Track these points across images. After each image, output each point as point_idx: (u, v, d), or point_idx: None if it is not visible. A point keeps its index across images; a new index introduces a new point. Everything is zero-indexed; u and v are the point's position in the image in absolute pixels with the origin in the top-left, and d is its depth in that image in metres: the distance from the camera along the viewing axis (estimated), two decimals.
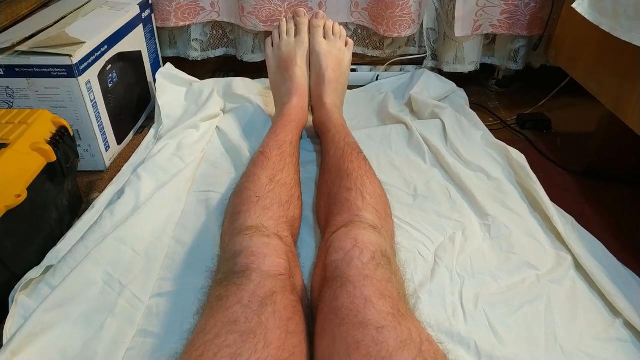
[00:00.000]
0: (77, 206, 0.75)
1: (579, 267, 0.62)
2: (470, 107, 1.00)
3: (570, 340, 0.53)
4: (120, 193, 0.72)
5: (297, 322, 0.44)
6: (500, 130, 0.99)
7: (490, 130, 0.92)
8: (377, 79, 1.12)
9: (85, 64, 0.75)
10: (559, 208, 0.72)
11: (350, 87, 1.02)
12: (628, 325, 0.55)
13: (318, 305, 0.47)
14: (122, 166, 0.83)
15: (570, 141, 0.95)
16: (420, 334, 0.39)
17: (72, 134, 0.70)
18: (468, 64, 1.09)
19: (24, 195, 0.57)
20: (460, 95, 1.04)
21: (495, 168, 0.80)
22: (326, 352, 0.40)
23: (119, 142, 0.89)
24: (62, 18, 0.84)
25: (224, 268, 0.51)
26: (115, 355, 0.51)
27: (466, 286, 0.59)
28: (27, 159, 0.60)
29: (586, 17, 0.74)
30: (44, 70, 0.73)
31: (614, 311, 0.56)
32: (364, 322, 0.39)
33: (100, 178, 0.82)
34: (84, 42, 0.75)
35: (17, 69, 0.73)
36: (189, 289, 0.58)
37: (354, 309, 0.41)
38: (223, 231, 0.61)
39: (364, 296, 0.42)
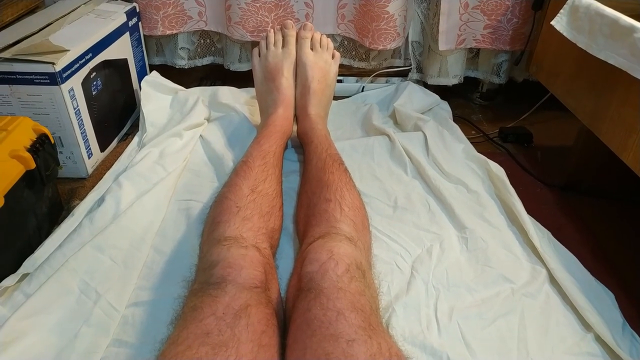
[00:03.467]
0: (57, 213, 0.74)
1: (553, 281, 0.63)
2: (454, 120, 1.01)
3: (542, 353, 0.54)
4: (101, 201, 0.71)
5: (270, 335, 0.44)
6: (483, 143, 1.00)
7: (472, 143, 0.93)
8: (362, 90, 1.13)
9: (69, 71, 0.75)
10: (536, 222, 0.73)
11: (336, 98, 1.03)
12: (599, 339, 0.56)
13: (291, 316, 0.47)
14: (105, 173, 0.83)
15: (551, 155, 0.97)
16: (389, 349, 0.40)
17: (53, 142, 0.69)
18: (452, 77, 1.11)
19: (1, 203, 0.57)
20: (444, 108, 1.05)
21: (475, 181, 0.81)
22: None
23: (102, 150, 0.89)
24: (47, 25, 0.84)
25: (201, 278, 0.51)
26: None
27: (441, 299, 0.59)
28: (6, 166, 0.60)
29: (564, 34, 0.75)
30: (26, 77, 0.73)
31: (586, 325, 0.57)
32: (335, 334, 0.40)
33: (81, 185, 0.82)
34: (67, 50, 0.75)
35: None
36: (165, 298, 0.58)
37: (325, 321, 0.41)
38: (202, 240, 0.62)
39: (337, 309, 0.42)
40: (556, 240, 0.70)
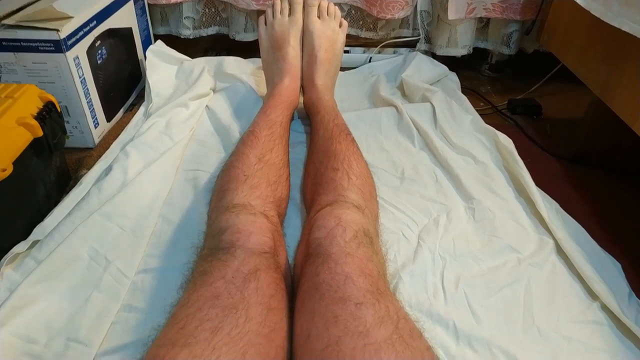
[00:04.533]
0: (65, 182, 0.75)
1: (560, 251, 0.63)
2: (462, 92, 1.00)
3: (547, 322, 0.54)
4: (108, 170, 0.72)
5: (279, 299, 0.45)
6: (491, 115, 0.99)
7: (480, 115, 0.92)
8: (370, 61, 1.12)
9: (74, 39, 0.74)
10: (544, 193, 0.72)
11: (342, 69, 1.02)
12: (605, 308, 0.56)
13: (299, 281, 0.47)
14: (111, 143, 0.82)
15: (560, 127, 0.96)
16: (397, 312, 0.40)
17: (59, 110, 0.69)
18: (461, 48, 1.09)
19: (10, 170, 0.57)
20: (452, 79, 1.04)
21: (483, 152, 0.80)
22: (305, 326, 0.41)
23: (109, 120, 0.89)
24: None
25: (210, 244, 0.51)
26: (99, 329, 0.51)
27: (448, 268, 0.60)
28: (13, 134, 0.60)
29: (577, 1, 0.74)
30: (31, 44, 0.72)
31: (592, 295, 0.57)
32: (343, 297, 0.40)
33: (89, 155, 0.82)
34: (72, 17, 0.74)
35: (3, 43, 0.72)
36: (174, 265, 0.59)
37: (334, 284, 0.42)
38: (210, 208, 0.62)
39: (345, 273, 0.42)
40: (564, 212, 0.70)
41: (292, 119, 0.86)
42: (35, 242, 0.60)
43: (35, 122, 0.62)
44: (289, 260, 0.56)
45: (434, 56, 1.10)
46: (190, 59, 1.04)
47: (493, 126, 0.86)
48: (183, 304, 0.41)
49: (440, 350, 0.50)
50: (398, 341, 0.36)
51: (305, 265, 0.47)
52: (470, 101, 0.95)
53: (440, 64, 1.05)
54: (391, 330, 0.37)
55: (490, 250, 0.63)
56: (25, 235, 0.61)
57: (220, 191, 0.59)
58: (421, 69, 1.02)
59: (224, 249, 0.47)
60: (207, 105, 0.91)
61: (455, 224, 0.66)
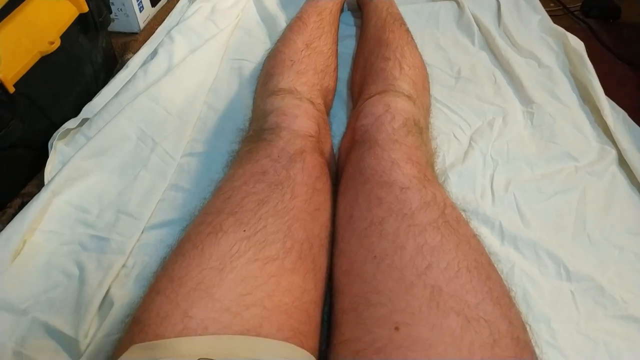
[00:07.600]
0: (112, 65, 0.74)
1: (622, 162, 0.59)
2: None
3: (600, 231, 0.52)
4: (154, 54, 0.70)
5: (324, 182, 0.44)
6: (562, 17, 0.90)
7: (550, 16, 0.83)
8: None
9: None
10: (612, 101, 0.66)
11: None
12: None
13: (344, 167, 0.46)
14: (156, 28, 0.80)
15: (639, 33, 0.86)
16: (444, 199, 0.38)
17: None
18: None
19: (57, 43, 0.56)
20: None
21: (548, 56, 0.74)
22: (348, 207, 0.40)
23: (153, 5, 0.86)
24: None
25: (255, 126, 0.50)
26: (148, 204, 0.53)
27: (499, 170, 0.57)
28: (59, 7, 0.59)
29: None
30: None
31: None
32: (388, 182, 0.39)
33: (134, 39, 0.80)
34: None
35: None
36: (219, 150, 0.59)
37: (379, 169, 0.40)
38: (256, 94, 0.60)
39: (392, 159, 0.41)
40: (632, 121, 0.64)
41: (342, 10, 0.81)
42: (84, 120, 0.61)
43: None
44: (333, 150, 0.54)
45: None
46: None
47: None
48: (229, 177, 0.41)
49: None
50: (444, 225, 0.35)
51: (351, 152, 0.46)
52: (540, 0, 0.86)
53: None
54: (437, 214, 0.36)
55: (546, 156, 0.59)
56: (75, 113, 0.62)
57: (266, 75, 0.57)
58: None
59: (269, 129, 0.46)
60: None
61: (511, 127, 0.62)
